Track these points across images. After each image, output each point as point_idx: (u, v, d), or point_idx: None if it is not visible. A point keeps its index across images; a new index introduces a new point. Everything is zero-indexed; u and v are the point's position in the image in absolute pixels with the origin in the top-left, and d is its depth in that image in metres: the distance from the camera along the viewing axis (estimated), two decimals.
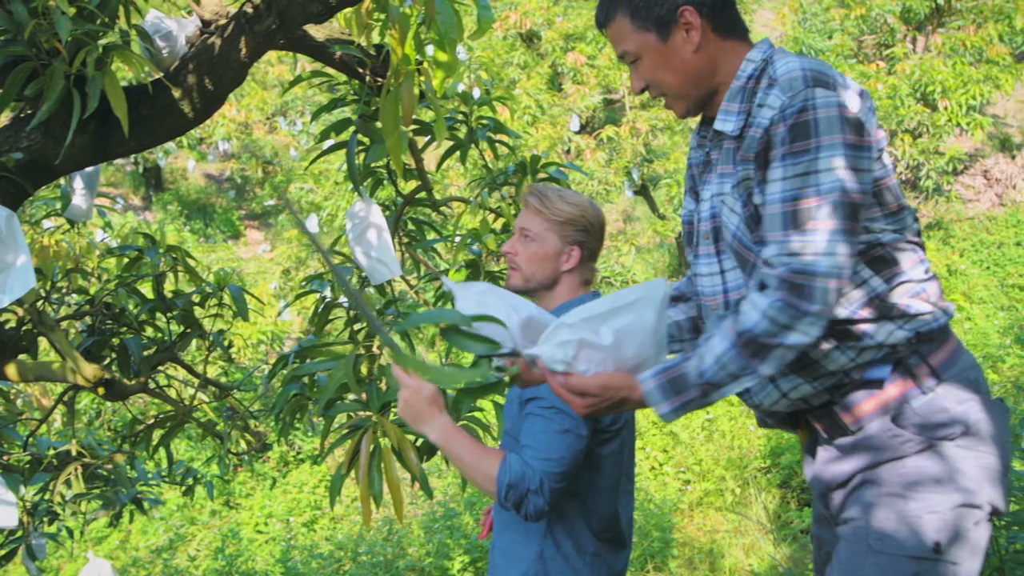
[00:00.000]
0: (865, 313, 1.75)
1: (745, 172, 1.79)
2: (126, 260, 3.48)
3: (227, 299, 3.47)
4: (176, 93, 2.42)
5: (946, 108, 12.68)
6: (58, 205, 3.48)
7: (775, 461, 7.95)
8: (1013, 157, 14.83)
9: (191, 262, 3.51)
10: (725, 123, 1.82)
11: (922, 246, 1.84)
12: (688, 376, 1.72)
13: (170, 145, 16.19)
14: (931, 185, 13.17)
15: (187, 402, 3.68)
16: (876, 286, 1.76)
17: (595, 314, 1.75)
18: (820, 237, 1.63)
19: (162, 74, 2.45)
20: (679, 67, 1.85)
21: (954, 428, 1.75)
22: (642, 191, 14.25)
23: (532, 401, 2.16)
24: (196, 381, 3.77)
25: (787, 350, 1.66)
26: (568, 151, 13.52)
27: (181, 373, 4.10)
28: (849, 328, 1.75)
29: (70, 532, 4.09)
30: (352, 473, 2.61)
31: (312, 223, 13.28)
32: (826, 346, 1.75)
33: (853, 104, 1.68)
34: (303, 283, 3.43)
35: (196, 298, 3.49)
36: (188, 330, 3.53)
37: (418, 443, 2.78)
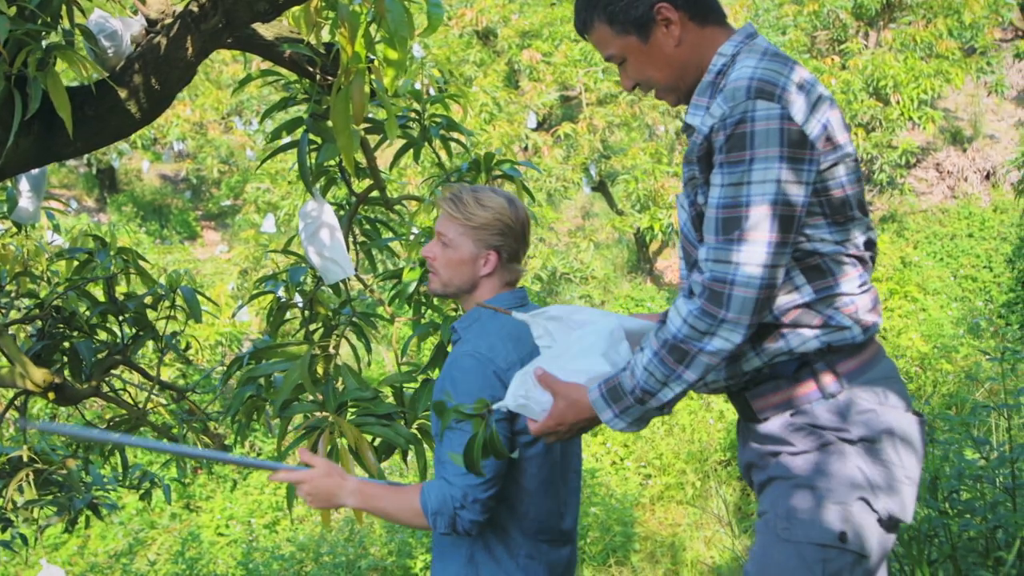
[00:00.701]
0: (787, 319, 1.78)
1: (691, 173, 1.82)
2: (76, 263, 3.43)
3: (180, 301, 3.43)
4: (122, 93, 2.38)
5: (898, 102, 12.83)
6: (4, 208, 3.42)
7: (735, 454, 8.01)
8: (964, 150, 15.04)
9: (144, 264, 3.47)
10: (694, 117, 1.83)
11: (863, 260, 1.85)
12: (623, 385, 1.78)
13: (124, 146, 16.00)
14: (884, 178, 13.33)
15: (142, 405, 3.64)
16: (806, 295, 1.78)
17: (552, 357, 1.90)
18: (744, 248, 1.65)
19: (107, 74, 2.42)
20: (664, 63, 1.87)
21: (851, 433, 1.77)
22: (600, 187, 14.29)
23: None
24: (150, 384, 3.73)
25: (710, 356, 1.70)
26: (526, 148, 13.53)
27: (136, 377, 4.05)
28: (769, 331, 1.79)
29: (24, 539, 4.03)
30: None
31: (269, 223, 13.19)
32: (744, 348, 1.79)
33: (799, 115, 1.67)
34: (257, 283, 3.40)
35: (148, 300, 3.45)
36: (141, 333, 3.49)
37: (375, 443, 2.77)
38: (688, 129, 1.88)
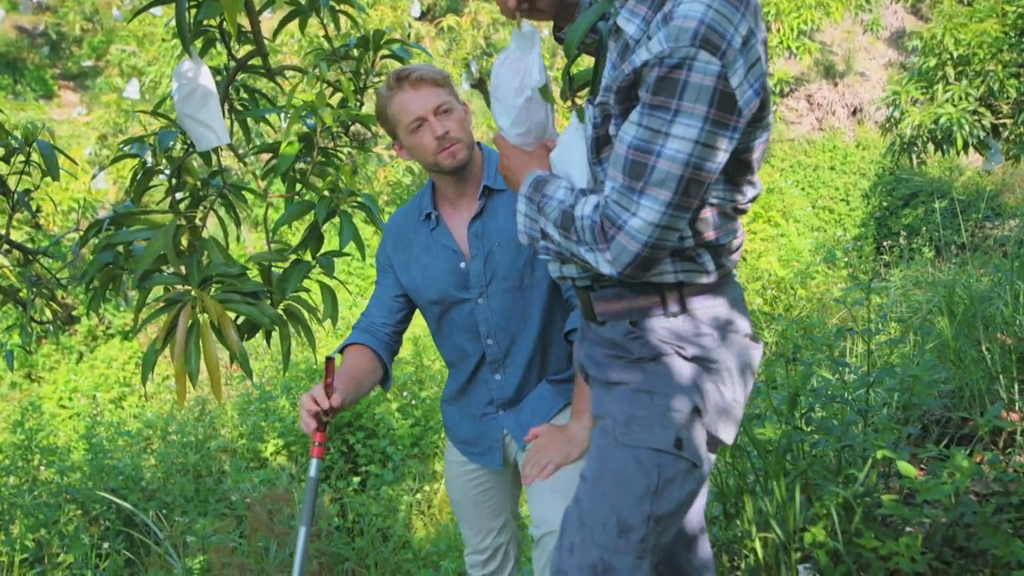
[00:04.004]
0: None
1: (605, 97, 1.75)
2: None
3: (35, 156, 3.21)
4: None
5: (779, 30, 13.01)
6: None
7: None
8: (835, 85, 15.44)
9: None
10: (629, 23, 1.71)
11: (744, 212, 1.84)
12: (548, 184, 1.83)
13: None
14: None
15: None
16: (686, 242, 1.76)
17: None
18: (644, 201, 1.62)
19: None
20: None
21: (687, 351, 1.79)
22: (479, 85, 14.11)
23: None
24: None
25: (582, 255, 1.73)
26: (408, 37, 13.22)
27: None
28: None
29: None
30: (167, 350, 2.50)
31: (133, 88, 12.58)
32: None
33: (735, 77, 1.57)
34: (121, 146, 3.22)
35: (0, 152, 3.22)
36: None
37: (239, 320, 2.68)
38: (618, 32, 1.76)
